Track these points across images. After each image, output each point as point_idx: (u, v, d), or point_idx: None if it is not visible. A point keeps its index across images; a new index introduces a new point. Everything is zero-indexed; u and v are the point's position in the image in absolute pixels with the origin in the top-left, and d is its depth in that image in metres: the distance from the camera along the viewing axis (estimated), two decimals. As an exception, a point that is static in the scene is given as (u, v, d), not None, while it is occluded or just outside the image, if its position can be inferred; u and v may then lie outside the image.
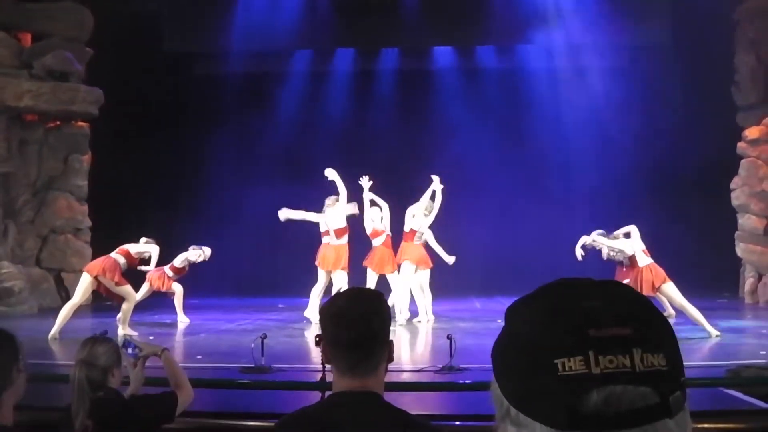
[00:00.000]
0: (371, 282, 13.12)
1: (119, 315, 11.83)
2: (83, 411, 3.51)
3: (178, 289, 13.51)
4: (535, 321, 0.88)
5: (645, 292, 10.59)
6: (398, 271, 13.31)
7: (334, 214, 13.18)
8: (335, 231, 13.12)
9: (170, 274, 13.38)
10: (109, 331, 4.18)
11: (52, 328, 11.36)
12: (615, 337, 0.84)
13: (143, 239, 12.51)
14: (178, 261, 13.41)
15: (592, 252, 12.41)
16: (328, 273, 13.15)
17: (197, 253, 13.50)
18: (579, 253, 12.23)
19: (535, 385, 0.84)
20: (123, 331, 11.49)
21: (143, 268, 12.99)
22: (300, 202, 17.03)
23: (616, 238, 11.86)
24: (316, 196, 17.49)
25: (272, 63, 19.29)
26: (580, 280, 0.93)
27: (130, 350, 4.03)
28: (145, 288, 13.26)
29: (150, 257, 12.60)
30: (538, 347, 0.85)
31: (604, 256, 12.39)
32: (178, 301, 13.49)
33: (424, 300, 13.35)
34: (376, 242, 13.36)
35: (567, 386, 0.82)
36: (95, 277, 11.68)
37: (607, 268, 12.76)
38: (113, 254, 11.95)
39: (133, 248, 12.17)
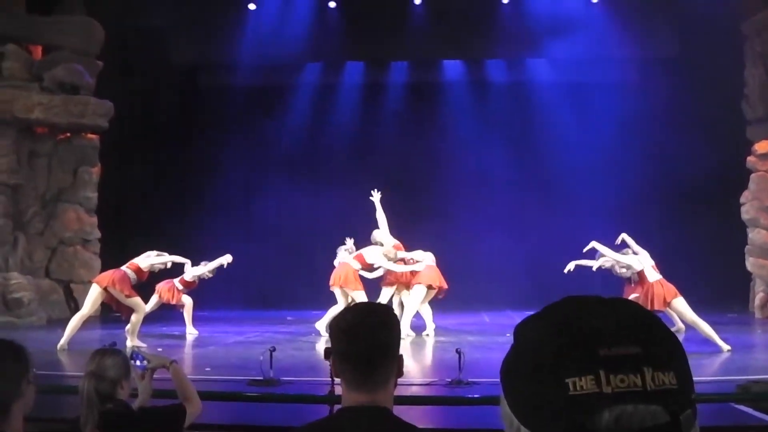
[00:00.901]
0: (385, 300, 13.10)
1: (128, 326, 11.84)
2: (92, 423, 3.51)
3: (187, 301, 13.52)
4: (544, 340, 0.88)
5: (656, 308, 10.58)
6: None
7: (372, 254, 13.17)
8: (364, 264, 13.12)
9: (180, 287, 13.39)
10: (117, 342, 4.18)
11: (61, 339, 11.38)
12: (625, 355, 0.84)
13: (153, 252, 12.52)
14: (189, 275, 13.42)
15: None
16: (344, 292, 13.05)
17: (210, 268, 13.47)
18: (570, 267, 12.22)
19: (545, 404, 0.84)
20: (132, 342, 11.50)
21: (188, 276, 13.25)
22: (309, 214, 17.12)
23: (624, 253, 11.83)
24: (324, 207, 17.56)
25: (282, 75, 19.32)
26: (588, 298, 0.93)
27: (138, 362, 4.04)
28: (154, 300, 13.27)
29: (166, 265, 12.68)
30: (548, 366, 0.85)
31: (595, 267, 12.31)
32: (188, 313, 13.49)
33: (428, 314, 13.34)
34: (400, 255, 13.36)
35: (578, 405, 0.82)
36: (105, 289, 11.70)
37: (615, 285, 12.73)
38: (123, 268, 11.97)
39: (143, 263, 12.17)
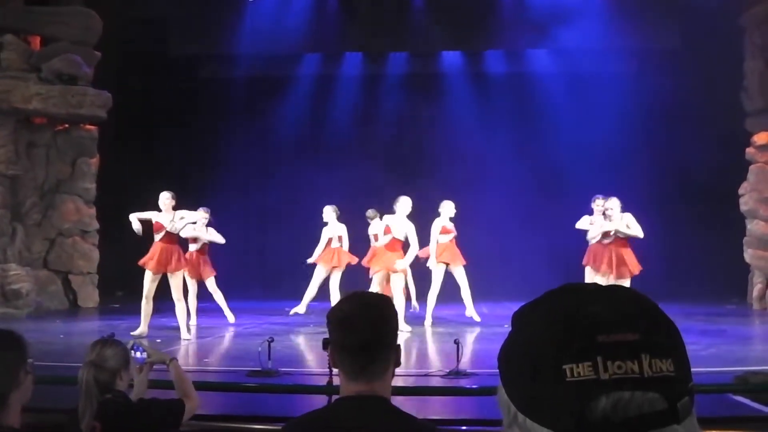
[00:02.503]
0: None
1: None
2: (90, 412, 3.51)
3: (192, 288, 13.44)
4: (542, 327, 0.88)
5: (635, 269, 11.37)
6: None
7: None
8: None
9: (192, 248, 13.25)
10: (116, 333, 4.19)
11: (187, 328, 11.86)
12: (623, 342, 0.84)
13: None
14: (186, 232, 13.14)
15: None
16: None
17: (206, 233, 13.32)
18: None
19: (542, 390, 0.84)
20: (141, 330, 11.54)
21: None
22: (308, 206, 17.05)
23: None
24: (323, 198, 17.52)
25: (280, 67, 19.28)
26: (586, 285, 0.93)
27: (138, 353, 4.04)
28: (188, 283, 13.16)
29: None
30: (545, 353, 0.85)
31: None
32: (192, 302, 13.47)
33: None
34: (443, 239, 13.35)
35: (575, 392, 0.82)
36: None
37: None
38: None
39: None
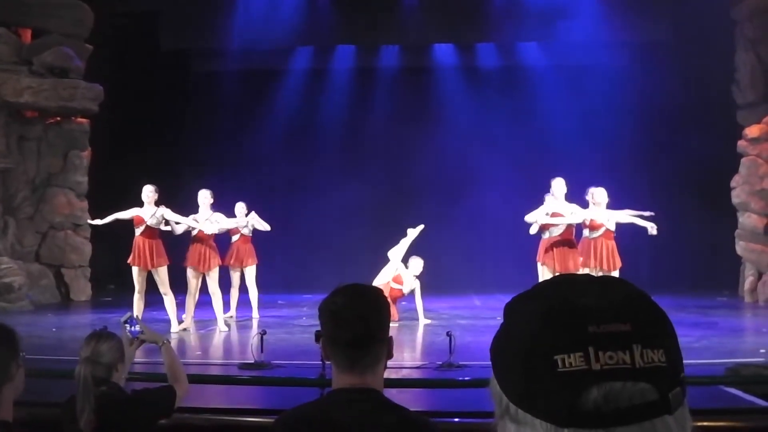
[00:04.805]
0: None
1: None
2: (88, 408, 3.50)
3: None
4: (533, 318, 0.88)
5: (618, 264, 11.38)
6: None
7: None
8: None
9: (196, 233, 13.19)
10: (108, 326, 4.17)
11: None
12: (615, 333, 0.84)
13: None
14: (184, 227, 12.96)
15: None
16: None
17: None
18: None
19: (534, 381, 0.84)
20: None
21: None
22: (300, 197, 17.07)
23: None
24: (315, 190, 17.52)
25: (272, 60, 19.24)
26: (578, 276, 0.93)
27: (132, 327, 4.03)
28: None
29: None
30: (537, 344, 0.85)
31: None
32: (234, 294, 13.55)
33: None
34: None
35: (567, 382, 0.82)
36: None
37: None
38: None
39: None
